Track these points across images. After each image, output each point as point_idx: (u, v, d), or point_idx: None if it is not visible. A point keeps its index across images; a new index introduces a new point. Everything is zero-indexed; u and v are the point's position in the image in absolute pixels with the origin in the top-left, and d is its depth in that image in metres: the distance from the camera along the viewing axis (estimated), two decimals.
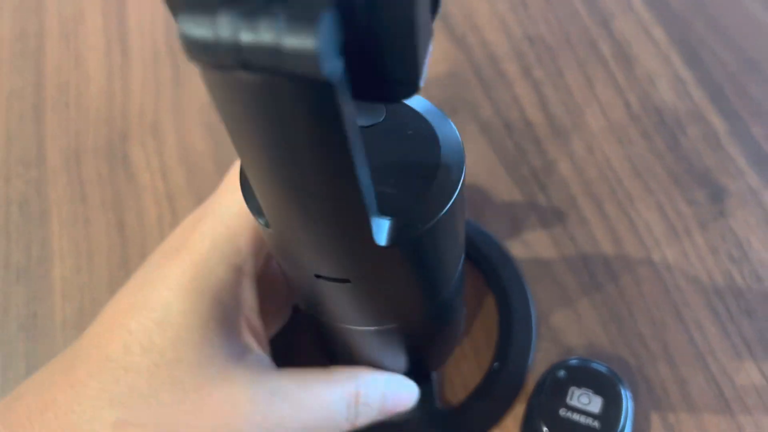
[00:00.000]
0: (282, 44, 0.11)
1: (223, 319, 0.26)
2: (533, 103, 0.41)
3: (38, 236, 0.41)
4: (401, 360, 0.29)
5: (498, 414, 0.33)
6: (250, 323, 0.27)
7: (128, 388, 0.24)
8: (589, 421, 0.31)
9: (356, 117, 0.14)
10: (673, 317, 0.34)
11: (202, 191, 0.41)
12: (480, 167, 0.39)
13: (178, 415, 0.25)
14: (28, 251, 0.41)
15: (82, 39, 0.48)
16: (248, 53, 0.12)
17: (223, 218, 0.25)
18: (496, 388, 0.33)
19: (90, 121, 0.45)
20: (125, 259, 0.40)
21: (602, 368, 0.32)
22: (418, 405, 0.31)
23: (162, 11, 0.49)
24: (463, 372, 0.34)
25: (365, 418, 0.28)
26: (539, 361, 0.34)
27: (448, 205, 0.19)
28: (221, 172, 0.42)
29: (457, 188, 0.19)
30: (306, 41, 0.11)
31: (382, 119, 0.21)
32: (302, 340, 0.32)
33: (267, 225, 0.19)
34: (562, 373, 0.32)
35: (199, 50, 0.12)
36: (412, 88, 0.15)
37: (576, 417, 0.31)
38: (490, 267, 0.36)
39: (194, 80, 0.45)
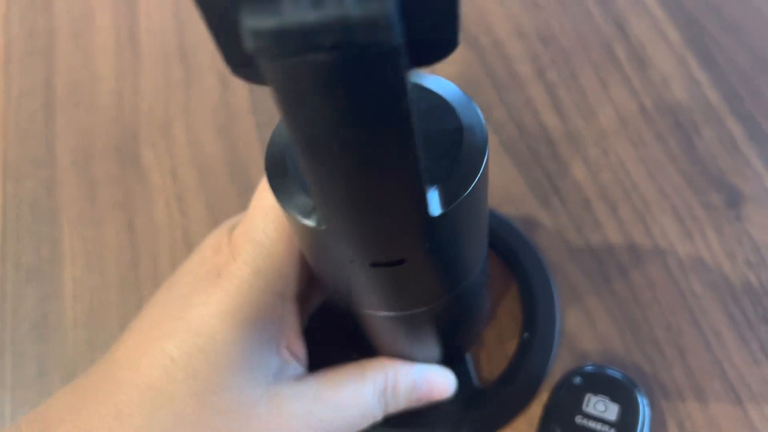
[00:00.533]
0: (351, 18, 0.11)
1: (264, 342, 0.26)
2: (546, 105, 0.41)
3: (49, 236, 0.41)
4: (436, 343, 0.29)
5: (535, 384, 0.33)
6: (290, 341, 0.27)
7: (175, 416, 0.24)
8: (605, 428, 0.30)
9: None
10: (689, 323, 0.34)
11: (212, 192, 0.41)
12: (493, 170, 0.39)
13: None
14: (39, 251, 0.41)
15: (92, 38, 0.48)
16: (318, 33, 0.12)
17: (264, 245, 0.25)
18: (529, 360, 0.34)
19: (100, 121, 0.45)
20: (135, 259, 0.40)
21: (618, 375, 0.32)
22: (458, 385, 0.32)
23: (172, 11, 0.48)
24: (495, 351, 0.35)
25: (394, 407, 0.29)
26: (555, 367, 0.34)
27: (481, 168, 0.19)
28: (231, 172, 0.42)
29: (485, 151, 0.19)
30: (376, 11, 0.11)
31: None
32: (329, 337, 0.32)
33: (319, 224, 0.19)
34: (577, 379, 0.32)
35: (268, 41, 0.12)
36: (452, 46, 0.15)
37: (592, 425, 0.31)
38: (513, 255, 0.36)
39: (205, 81, 0.45)
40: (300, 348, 0.28)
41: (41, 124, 0.45)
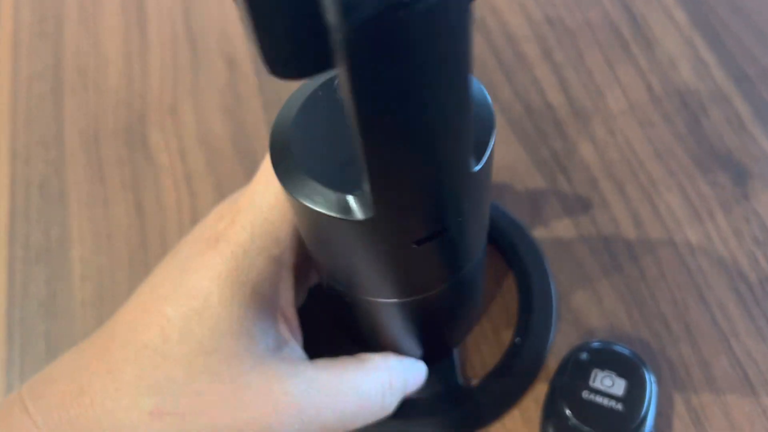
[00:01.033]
0: None
1: (261, 310, 0.25)
2: (553, 85, 0.41)
3: (57, 217, 0.41)
4: (424, 336, 0.29)
5: (520, 389, 0.33)
6: (286, 315, 0.27)
7: (165, 376, 0.24)
8: (612, 403, 0.31)
9: None
10: (696, 299, 0.34)
11: (220, 173, 0.41)
12: (500, 150, 0.39)
13: (214, 406, 0.25)
14: (48, 232, 0.41)
15: (101, 22, 0.48)
16: None
17: (263, 210, 0.25)
18: (517, 364, 0.33)
19: (109, 103, 0.45)
20: (144, 240, 0.40)
21: (625, 351, 0.32)
22: (440, 381, 0.31)
23: None
24: (484, 349, 0.34)
25: (392, 404, 0.29)
26: (561, 344, 0.34)
27: (493, 135, 0.20)
28: (239, 154, 0.42)
29: (494, 123, 0.20)
30: None
31: None
32: (323, 326, 0.32)
33: (364, 214, 0.19)
34: (584, 355, 0.32)
35: (359, 7, 0.12)
36: None
37: (599, 399, 0.31)
38: (510, 245, 0.36)
39: (213, 63, 0.45)
40: (296, 325, 0.28)
41: (50, 107, 0.45)
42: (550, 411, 0.31)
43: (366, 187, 0.18)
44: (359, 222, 0.19)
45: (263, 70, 0.14)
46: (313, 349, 0.28)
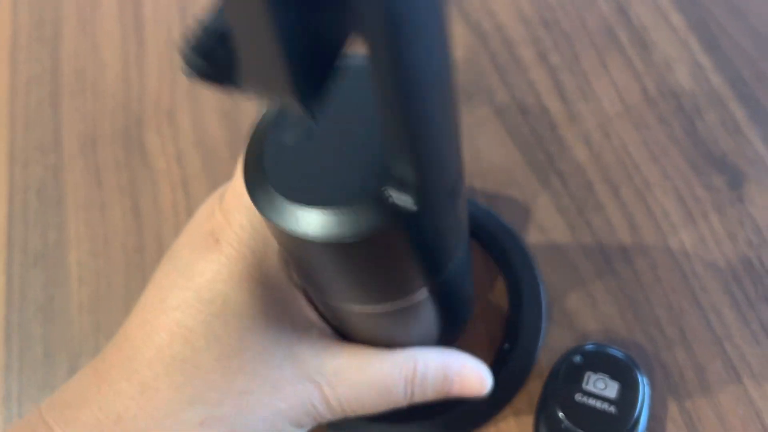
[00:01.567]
0: None
1: (281, 301, 0.26)
2: (549, 88, 0.41)
3: (55, 221, 0.42)
4: (412, 339, 0.29)
5: (509, 394, 0.33)
6: (308, 297, 0.27)
7: (203, 384, 0.24)
8: (605, 406, 0.31)
9: None
10: (691, 303, 0.34)
11: (217, 176, 0.42)
12: (495, 153, 0.39)
13: (257, 400, 0.25)
14: (45, 236, 0.41)
15: (99, 26, 0.49)
16: None
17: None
18: (507, 369, 0.33)
19: (106, 107, 0.45)
20: (141, 243, 0.40)
21: (619, 354, 0.32)
22: None
23: None
24: (474, 353, 0.34)
25: (420, 396, 0.28)
26: (555, 346, 0.34)
27: None
28: (236, 157, 0.42)
29: None
30: None
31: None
32: None
33: (410, 205, 0.19)
34: (578, 358, 0.32)
35: None
36: None
37: (592, 402, 0.31)
38: (500, 250, 0.36)
39: None
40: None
41: (48, 111, 0.46)
42: (543, 413, 0.31)
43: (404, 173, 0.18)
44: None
45: None
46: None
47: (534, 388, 0.33)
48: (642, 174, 0.38)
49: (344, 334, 0.29)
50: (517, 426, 0.33)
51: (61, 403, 0.25)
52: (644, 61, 0.41)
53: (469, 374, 0.29)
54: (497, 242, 0.36)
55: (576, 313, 0.35)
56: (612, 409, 0.30)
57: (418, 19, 0.14)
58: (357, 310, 0.25)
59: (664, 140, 0.38)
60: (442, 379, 0.29)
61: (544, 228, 0.37)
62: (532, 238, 0.37)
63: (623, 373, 0.31)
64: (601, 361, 0.32)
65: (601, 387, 0.31)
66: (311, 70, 0.14)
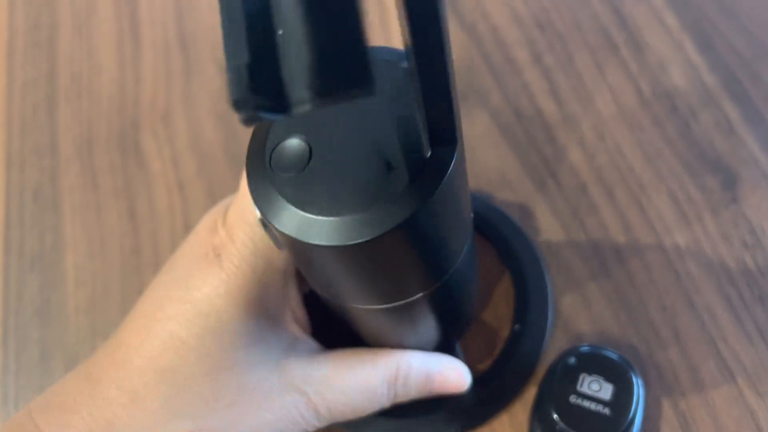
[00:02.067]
0: None
1: (271, 319, 0.26)
2: (543, 90, 0.41)
3: (51, 224, 0.42)
4: (425, 333, 0.29)
5: (525, 375, 0.33)
6: (295, 314, 0.28)
7: (192, 397, 0.25)
8: (599, 408, 0.31)
9: None
10: (685, 304, 0.34)
11: (212, 179, 0.42)
12: (490, 154, 0.39)
13: (245, 413, 0.25)
14: (42, 239, 0.41)
15: (95, 30, 0.49)
16: None
17: (259, 225, 0.25)
18: (519, 351, 0.34)
19: (102, 110, 0.45)
20: (137, 246, 0.40)
21: (613, 355, 0.32)
22: None
23: (173, 0, 0.49)
24: (486, 340, 0.35)
25: (403, 396, 0.29)
26: (550, 348, 0.34)
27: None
28: (231, 160, 0.42)
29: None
30: None
31: None
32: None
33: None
34: (572, 360, 0.32)
35: None
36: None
37: (587, 404, 0.31)
38: (502, 238, 0.36)
39: (205, 69, 0.46)
40: (305, 321, 0.29)
41: (44, 114, 0.46)
42: (538, 415, 0.31)
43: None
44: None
45: None
46: (323, 337, 0.29)
47: (529, 389, 0.33)
48: (636, 175, 0.38)
49: (353, 333, 0.30)
50: (512, 428, 0.33)
51: (51, 405, 0.25)
52: (638, 62, 0.41)
53: (449, 371, 0.30)
54: (502, 237, 0.36)
55: (570, 314, 0.35)
56: (606, 410, 0.31)
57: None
58: (370, 308, 0.25)
59: (658, 141, 0.38)
60: (425, 378, 0.29)
61: (538, 229, 0.37)
62: None
63: (618, 374, 0.31)
64: (595, 363, 0.32)
65: (596, 389, 0.31)
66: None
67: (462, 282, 0.28)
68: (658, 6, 0.43)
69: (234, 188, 0.41)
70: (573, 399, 0.31)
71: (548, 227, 0.37)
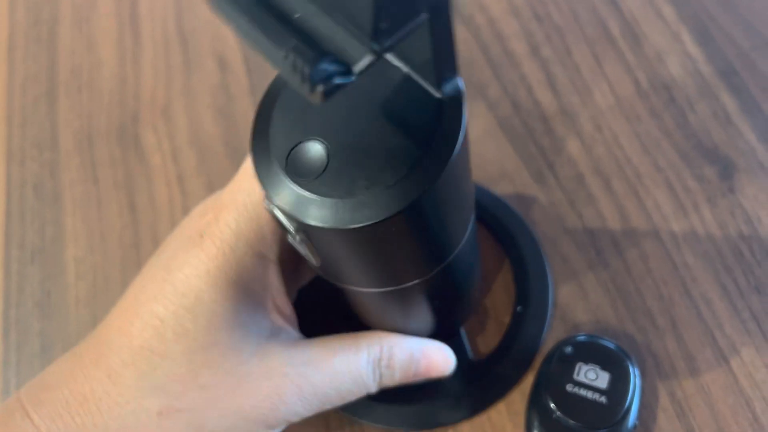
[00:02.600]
0: None
1: (252, 303, 0.26)
2: (541, 81, 0.41)
3: (52, 217, 0.42)
4: (430, 317, 0.29)
5: (529, 356, 0.34)
6: (277, 304, 0.28)
7: (167, 374, 0.25)
8: (596, 396, 0.31)
9: None
10: (681, 293, 0.34)
11: (212, 173, 0.42)
12: (488, 146, 0.39)
13: (219, 396, 0.25)
14: (42, 232, 0.42)
15: (95, 24, 0.49)
16: None
17: (247, 208, 0.25)
18: (523, 333, 0.34)
19: (102, 104, 0.45)
20: (137, 239, 0.40)
21: (610, 344, 0.32)
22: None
23: None
24: (490, 325, 0.35)
25: (389, 379, 0.29)
26: (547, 338, 0.34)
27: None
28: (231, 154, 0.42)
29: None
30: None
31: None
32: (324, 312, 0.32)
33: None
34: (569, 349, 0.32)
35: None
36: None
37: (583, 392, 0.31)
38: (502, 225, 0.37)
39: (204, 64, 0.46)
40: (290, 312, 0.29)
41: (45, 109, 0.46)
42: (535, 404, 0.32)
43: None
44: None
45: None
46: (312, 335, 0.29)
47: (527, 378, 0.33)
48: (633, 166, 0.38)
49: (357, 319, 0.30)
50: (509, 417, 0.33)
51: (37, 386, 0.26)
52: (636, 53, 0.41)
53: (433, 354, 0.30)
54: (502, 224, 0.37)
55: (567, 304, 0.35)
56: (603, 399, 0.31)
57: None
58: (379, 291, 0.25)
59: (656, 132, 0.38)
60: (408, 360, 0.29)
61: (536, 220, 0.37)
62: None
63: (614, 363, 0.31)
64: (592, 352, 0.32)
65: (592, 377, 0.31)
66: None
67: (467, 262, 0.28)
68: None
69: None
70: (569, 388, 0.31)
71: (546, 218, 0.37)
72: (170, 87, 0.45)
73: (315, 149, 0.21)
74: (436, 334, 0.32)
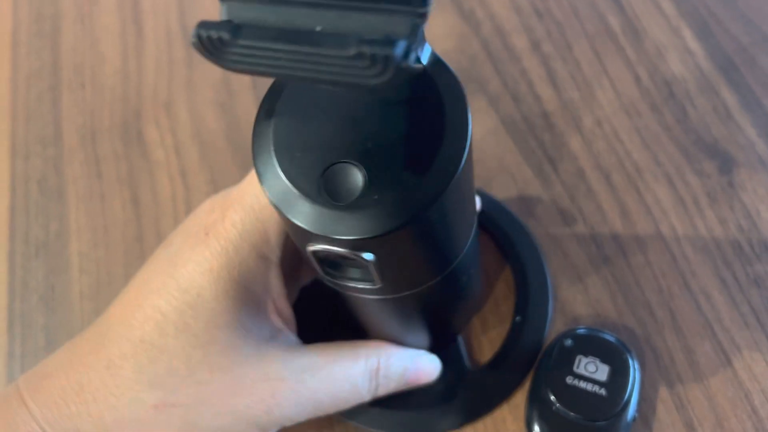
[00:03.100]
0: None
1: (253, 304, 0.26)
2: (542, 77, 0.41)
3: (56, 212, 0.42)
4: (428, 325, 0.30)
5: (526, 366, 0.34)
6: (278, 307, 0.28)
7: (165, 369, 0.25)
8: (596, 388, 0.31)
9: None
10: (681, 287, 0.34)
11: (214, 167, 0.42)
12: (488, 141, 0.40)
13: (215, 394, 0.25)
14: (47, 227, 0.42)
15: (98, 20, 0.49)
16: None
17: (254, 209, 0.25)
18: (520, 343, 0.34)
19: (105, 100, 0.46)
20: (140, 233, 0.41)
21: (609, 337, 0.32)
22: (449, 366, 0.32)
23: None
24: (489, 333, 0.35)
25: (384, 389, 0.30)
26: (548, 334, 0.34)
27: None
28: (233, 149, 0.43)
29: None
30: None
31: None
32: (323, 317, 0.32)
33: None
34: (569, 341, 0.32)
35: None
36: None
37: (583, 385, 0.31)
38: (501, 230, 0.37)
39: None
40: (289, 315, 0.29)
41: (48, 104, 0.46)
42: (535, 396, 0.32)
43: None
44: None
45: None
46: (309, 340, 0.29)
47: (529, 378, 0.34)
48: (633, 161, 0.38)
49: (354, 324, 0.30)
50: (509, 409, 0.33)
51: (37, 374, 0.26)
52: (636, 49, 0.41)
53: (424, 363, 0.31)
54: (502, 231, 0.37)
55: (568, 298, 0.35)
56: (603, 391, 0.31)
57: None
58: (369, 297, 0.25)
59: (656, 127, 0.39)
60: (402, 370, 0.30)
61: (536, 215, 0.37)
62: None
63: (614, 356, 0.32)
64: (591, 345, 0.32)
65: (592, 370, 0.31)
66: None
67: (469, 268, 0.28)
68: None
69: (236, 176, 0.41)
70: (569, 380, 0.31)
71: (546, 212, 0.37)
72: (173, 82, 0.45)
73: (348, 172, 0.20)
74: (435, 340, 0.32)
